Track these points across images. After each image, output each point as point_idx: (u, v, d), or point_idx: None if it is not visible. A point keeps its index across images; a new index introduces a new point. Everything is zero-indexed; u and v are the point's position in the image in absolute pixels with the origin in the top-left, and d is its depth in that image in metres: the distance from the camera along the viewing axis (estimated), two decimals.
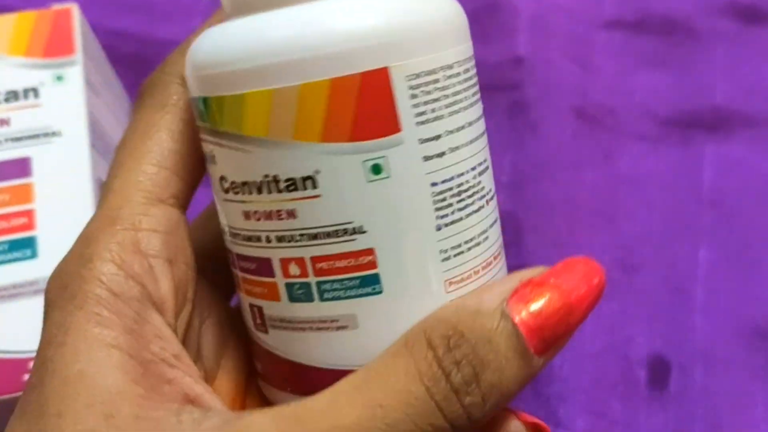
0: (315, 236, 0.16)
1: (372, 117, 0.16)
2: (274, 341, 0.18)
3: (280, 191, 0.16)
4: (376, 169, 0.16)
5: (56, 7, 0.28)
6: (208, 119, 0.17)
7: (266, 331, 0.18)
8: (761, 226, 0.33)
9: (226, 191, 0.17)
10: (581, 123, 0.34)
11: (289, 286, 0.17)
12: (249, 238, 0.17)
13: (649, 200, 0.34)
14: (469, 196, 0.17)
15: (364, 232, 0.16)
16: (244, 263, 0.18)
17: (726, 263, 0.33)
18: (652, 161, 0.35)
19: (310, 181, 0.16)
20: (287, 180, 0.16)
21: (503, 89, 0.35)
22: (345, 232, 0.16)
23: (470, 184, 0.17)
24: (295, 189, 0.16)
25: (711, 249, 0.33)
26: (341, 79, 0.16)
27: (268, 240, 0.17)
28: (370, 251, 0.16)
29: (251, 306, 0.18)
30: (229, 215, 0.18)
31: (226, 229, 0.18)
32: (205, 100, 0.17)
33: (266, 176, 0.16)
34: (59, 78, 0.27)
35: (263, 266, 0.17)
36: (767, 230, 0.33)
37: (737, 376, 0.31)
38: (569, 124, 0.34)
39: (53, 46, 0.27)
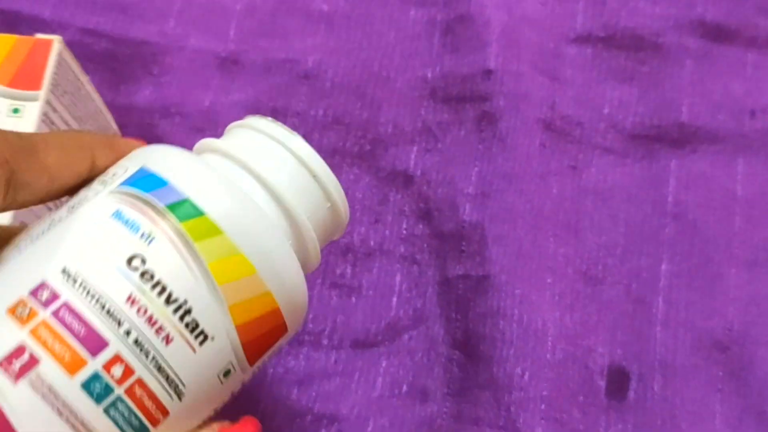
0: None
1: None
2: None
3: None
4: None
5: (40, 36, 0.28)
6: None
7: None
8: (722, 241, 0.34)
9: None
10: (549, 134, 0.35)
11: None
12: None
13: (613, 212, 0.34)
14: None
15: None
16: None
17: (687, 276, 0.33)
18: (617, 174, 0.35)
19: None
20: None
21: (473, 101, 0.35)
22: None
23: None
24: None
25: (673, 261, 0.33)
26: None
27: None
28: None
29: None
30: None
31: None
32: None
33: None
34: (15, 111, 0.26)
35: None
36: (728, 245, 0.34)
37: (696, 387, 0.31)
38: (537, 135, 0.35)
39: (20, 77, 0.27)
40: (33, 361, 0.16)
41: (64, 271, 0.18)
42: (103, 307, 0.17)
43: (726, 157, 0.35)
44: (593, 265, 0.33)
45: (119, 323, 0.17)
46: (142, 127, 0.35)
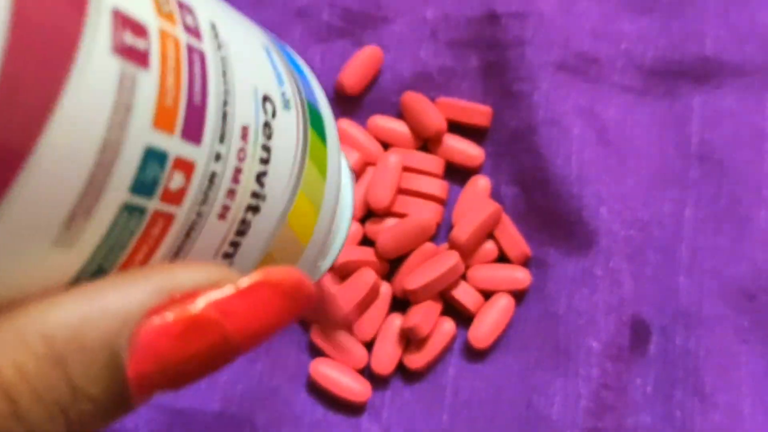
0: None
1: None
2: None
3: None
4: None
5: None
6: None
7: None
8: (751, 182, 0.32)
9: None
10: (562, 75, 0.33)
11: None
12: None
13: (633, 155, 0.32)
14: None
15: None
16: None
17: (713, 220, 0.31)
18: (637, 114, 0.33)
19: None
20: None
21: (479, 46, 0.33)
22: None
23: None
24: None
25: (698, 206, 0.32)
26: None
27: None
28: None
29: None
30: None
31: None
32: None
33: None
34: None
35: None
36: (757, 186, 0.32)
37: (721, 338, 0.30)
38: (550, 75, 0.33)
39: None
40: (142, 59, 0.12)
41: (213, 27, 0.14)
42: (225, 104, 0.13)
43: (754, 92, 0.33)
44: (612, 211, 0.31)
45: (222, 138, 0.13)
46: None
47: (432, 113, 0.32)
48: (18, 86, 0.10)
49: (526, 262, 0.31)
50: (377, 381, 0.30)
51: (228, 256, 0.14)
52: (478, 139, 0.33)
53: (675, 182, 0.32)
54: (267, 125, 0.14)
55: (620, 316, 0.30)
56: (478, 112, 0.32)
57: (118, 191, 0.12)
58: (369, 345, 0.31)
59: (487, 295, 0.31)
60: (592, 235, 0.31)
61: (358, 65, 0.32)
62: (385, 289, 0.31)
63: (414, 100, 0.32)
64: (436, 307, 0.30)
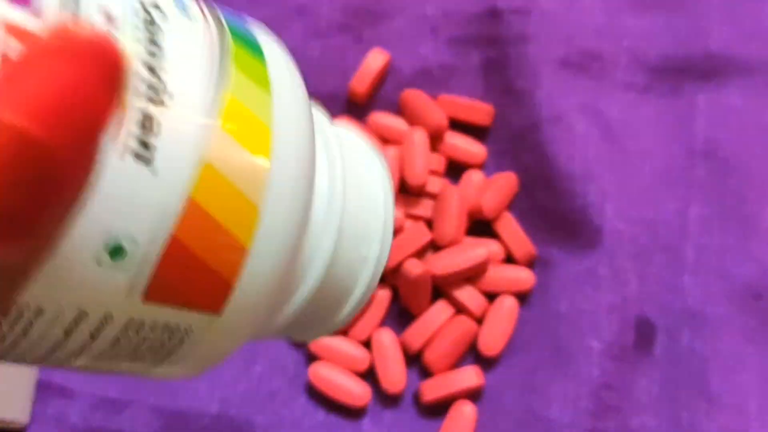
0: None
1: None
2: None
3: None
4: None
5: None
6: None
7: None
8: (757, 180, 0.31)
9: None
10: (564, 72, 0.32)
11: None
12: None
13: (637, 153, 0.32)
14: None
15: None
16: None
17: (719, 219, 0.31)
18: (641, 111, 0.32)
19: None
20: None
21: (480, 43, 0.33)
22: None
23: None
24: None
25: (703, 204, 0.31)
26: None
27: None
28: None
29: None
30: None
31: None
32: None
33: None
34: None
35: None
36: (763, 184, 0.31)
37: (727, 338, 0.30)
38: (553, 73, 0.32)
39: None
40: None
41: None
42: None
43: (759, 89, 0.32)
44: (617, 210, 0.31)
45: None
46: None
47: (432, 110, 0.31)
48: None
49: (531, 262, 0.31)
50: (388, 398, 0.30)
51: (142, 159, 0.12)
52: (480, 137, 0.33)
53: (680, 181, 0.32)
54: (149, 21, 0.12)
55: (624, 315, 0.30)
56: (480, 110, 0.32)
57: None
58: (366, 344, 0.30)
59: (489, 296, 0.30)
60: (596, 234, 0.30)
61: (370, 72, 0.32)
62: (383, 294, 0.30)
63: (414, 97, 0.32)
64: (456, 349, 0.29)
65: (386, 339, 0.29)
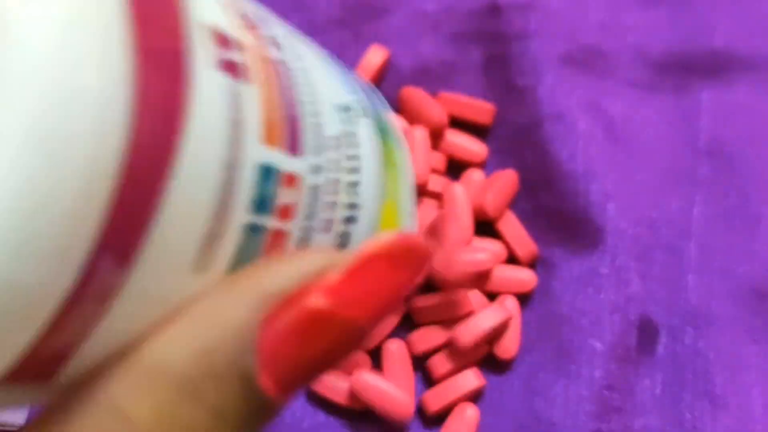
0: None
1: None
2: None
3: None
4: None
5: None
6: None
7: None
8: (762, 178, 0.31)
9: None
10: (568, 69, 0.32)
11: None
12: None
13: (641, 151, 0.31)
14: None
15: None
16: None
17: (723, 218, 0.31)
18: (645, 109, 0.32)
19: None
20: None
21: (481, 39, 0.32)
22: None
23: None
24: None
25: (707, 203, 0.31)
26: None
27: None
28: None
29: None
30: None
31: None
32: None
33: None
34: None
35: None
36: None
37: (731, 338, 0.29)
38: (555, 69, 0.32)
39: None
40: (245, 74, 0.12)
41: (285, 37, 0.14)
42: (315, 114, 0.13)
43: (765, 86, 0.32)
44: (620, 209, 0.31)
45: (318, 149, 0.13)
46: None
47: (432, 107, 0.31)
48: (148, 106, 0.10)
49: (533, 261, 0.31)
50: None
51: None
52: (481, 135, 0.32)
53: (684, 179, 0.31)
54: (352, 134, 0.14)
55: (627, 315, 0.29)
56: (481, 109, 0.31)
57: (241, 211, 0.12)
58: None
59: (490, 296, 0.30)
60: (598, 233, 0.30)
61: (369, 69, 0.31)
62: None
63: (413, 94, 0.31)
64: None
65: (394, 348, 0.29)
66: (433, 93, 0.32)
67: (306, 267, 0.12)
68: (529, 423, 0.28)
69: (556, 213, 0.31)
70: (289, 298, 0.12)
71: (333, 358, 0.12)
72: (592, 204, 0.30)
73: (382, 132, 0.16)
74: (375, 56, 0.32)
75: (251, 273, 0.12)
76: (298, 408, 0.29)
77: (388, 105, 0.16)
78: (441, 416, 0.29)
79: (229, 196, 0.11)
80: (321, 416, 0.29)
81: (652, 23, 0.33)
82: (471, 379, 0.28)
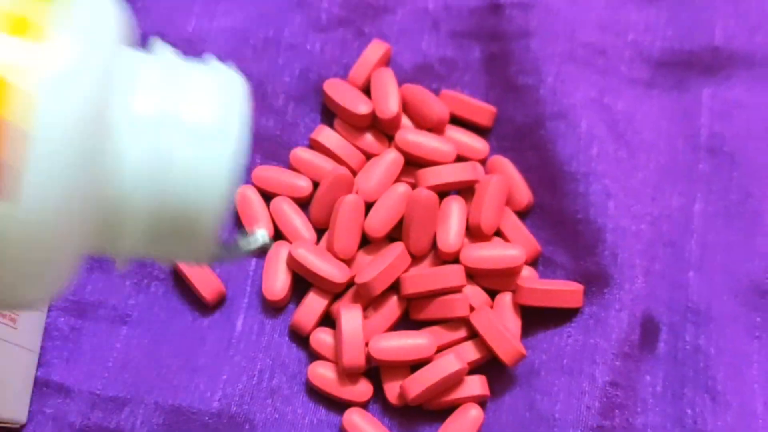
0: None
1: None
2: None
3: None
4: None
5: None
6: None
7: None
8: (763, 175, 0.31)
9: None
10: (568, 67, 0.32)
11: None
12: None
13: (641, 148, 0.31)
14: None
15: None
16: None
17: (724, 215, 0.31)
18: (645, 106, 0.32)
19: None
20: None
21: (482, 38, 0.32)
22: None
23: None
24: None
25: (708, 200, 0.31)
26: None
27: None
28: None
29: None
30: None
31: None
32: None
33: None
34: None
35: None
36: None
37: (732, 335, 0.29)
38: (556, 68, 0.32)
39: None
40: None
41: None
42: None
43: (765, 83, 0.32)
44: (620, 206, 0.31)
45: None
46: None
47: (433, 102, 0.31)
48: None
49: (536, 260, 0.31)
50: (392, 410, 0.29)
51: None
52: (482, 133, 0.32)
53: (684, 176, 0.31)
54: None
55: (630, 313, 0.29)
56: (481, 111, 0.32)
57: None
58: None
59: (491, 294, 0.30)
60: (599, 231, 0.30)
61: (369, 62, 0.31)
62: (393, 301, 0.30)
63: (413, 90, 0.31)
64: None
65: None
66: (435, 91, 0.32)
67: None
68: (531, 420, 0.28)
69: (557, 211, 0.31)
70: None
71: None
72: (593, 202, 0.30)
73: None
74: (375, 50, 0.32)
75: None
76: (299, 405, 0.29)
77: None
78: (441, 412, 0.29)
79: None
80: (321, 412, 0.29)
81: (652, 21, 0.33)
82: (476, 385, 0.28)
